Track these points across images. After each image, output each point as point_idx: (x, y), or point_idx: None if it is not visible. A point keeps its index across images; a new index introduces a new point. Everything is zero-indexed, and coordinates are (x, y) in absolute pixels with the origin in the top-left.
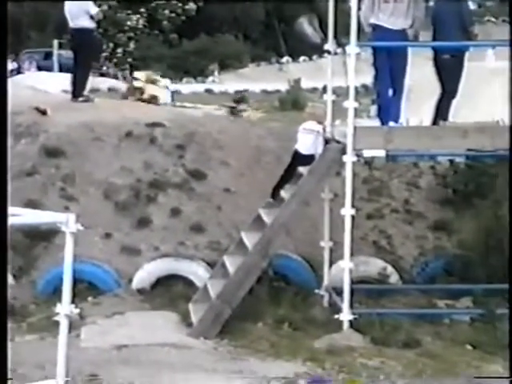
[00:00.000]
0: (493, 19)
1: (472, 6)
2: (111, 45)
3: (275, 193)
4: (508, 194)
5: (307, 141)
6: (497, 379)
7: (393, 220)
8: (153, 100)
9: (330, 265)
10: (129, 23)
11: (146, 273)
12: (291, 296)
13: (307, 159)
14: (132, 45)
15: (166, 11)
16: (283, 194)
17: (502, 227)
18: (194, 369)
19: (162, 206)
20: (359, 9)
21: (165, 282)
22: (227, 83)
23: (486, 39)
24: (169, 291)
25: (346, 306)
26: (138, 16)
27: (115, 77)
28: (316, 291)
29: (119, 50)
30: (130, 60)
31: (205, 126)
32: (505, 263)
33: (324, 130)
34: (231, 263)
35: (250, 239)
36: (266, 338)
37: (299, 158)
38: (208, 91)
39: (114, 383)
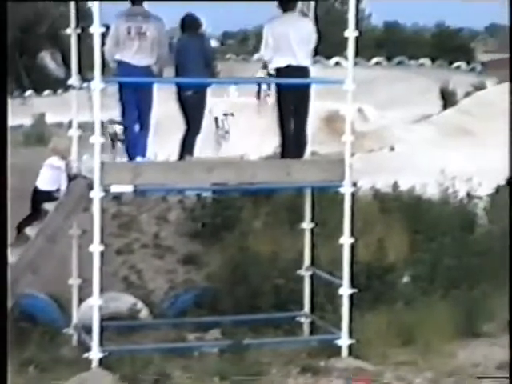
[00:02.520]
0: (234, 57)
1: (214, 43)
2: None
3: (19, 231)
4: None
5: (47, 176)
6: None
7: (143, 255)
8: None
9: (80, 302)
10: None
11: None
12: (38, 337)
13: (48, 195)
14: None
15: None
16: (28, 231)
17: (248, 259)
18: None
19: None
20: (103, 44)
21: None
22: None
23: (228, 76)
24: None
25: (95, 344)
26: None
27: None
28: (65, 330)
29: None
30: None
31: None
32: (251, 294)
33: (67, 165)
34: None
35: None
36: (10, 381)
37: (39, 195)
38: None
39: None
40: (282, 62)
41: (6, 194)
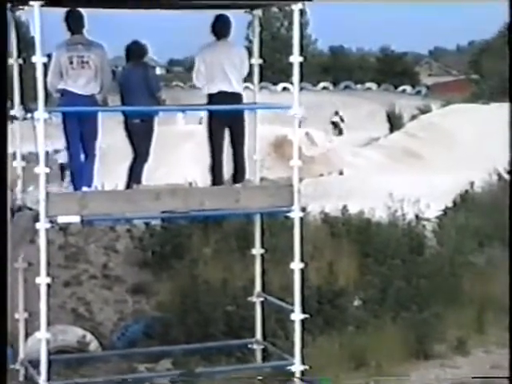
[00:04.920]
0: (181, 84)
1: (160, 71)
2: None
3: None
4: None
5: None
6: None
7: (91, 286)
8: None
9: (27, 337)
10: None
11: None
12: None
13: None
14: None
15: None
16: None
17: (199, 287)
18: None
19: None
20: (46, 74)
21: None
22: None
23: (174, 104)
24: None
25: (43, 379)
26: None
27: None
28: (12, 366)
29: None
30: None
31: None
32: (202, 322)
33: (11, 197)
34: None
35: None
36: None
37: None
38: None
39: None
40: (214, 89)
41: (5, 194)
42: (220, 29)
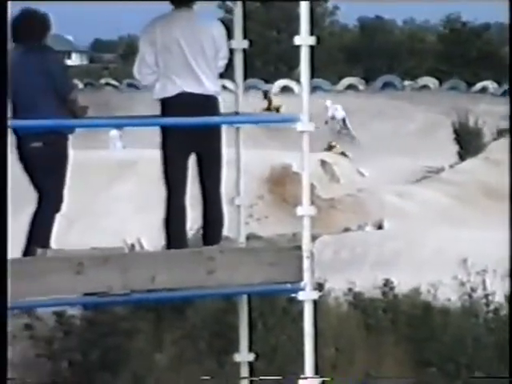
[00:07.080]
0: (114, 82)
1: (79, 59)
2: None
3: None
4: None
5: None
6: None
7: None
8: None
9: None
10: None
11: None
12: None
13: None
14: None
15: None
16: None
17: None
18: None
19: None
20: None
21: None
22: None
23: (104, 115)
24: None
25: None
26: None
27: None
28: None
29: None
30: None
31: None
32: None
33: None
34: None
35: None
36: None
37: None
38: None
39: None
40: (171, 89)
41: (5, 196)
42: None
